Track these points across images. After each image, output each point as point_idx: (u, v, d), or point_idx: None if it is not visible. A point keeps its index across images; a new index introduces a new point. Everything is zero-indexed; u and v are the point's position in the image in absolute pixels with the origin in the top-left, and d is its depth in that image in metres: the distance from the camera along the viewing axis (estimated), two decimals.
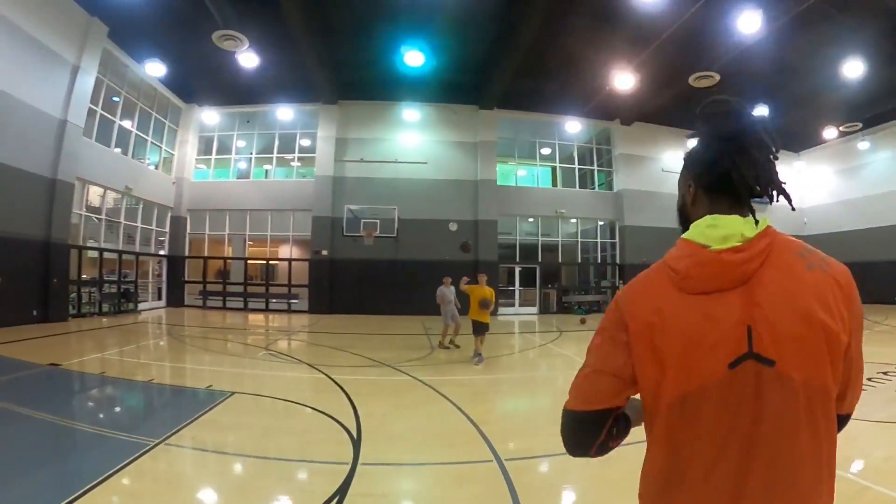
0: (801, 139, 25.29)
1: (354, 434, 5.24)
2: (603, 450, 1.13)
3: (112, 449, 4.63)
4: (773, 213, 9.13)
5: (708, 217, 1.11)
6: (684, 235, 1.14)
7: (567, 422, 1.14)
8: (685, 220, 1.22)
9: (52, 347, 10.59)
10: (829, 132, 23.48)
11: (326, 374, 8.46)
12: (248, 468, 4.46)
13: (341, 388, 7.41)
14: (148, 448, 4.55)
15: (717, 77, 16.63)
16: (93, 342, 12.11)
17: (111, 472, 3.96)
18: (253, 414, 6.39)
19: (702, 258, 1.04)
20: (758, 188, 1.12)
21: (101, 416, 6.34)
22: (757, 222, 1.07)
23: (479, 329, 9.63)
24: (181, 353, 11.11)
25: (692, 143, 1.28)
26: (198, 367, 9.81)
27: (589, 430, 1.11)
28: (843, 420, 1.08)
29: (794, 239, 1.11)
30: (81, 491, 3.53)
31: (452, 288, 11.25)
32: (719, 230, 1.05)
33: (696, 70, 16.58)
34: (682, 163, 1.29)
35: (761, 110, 19.68)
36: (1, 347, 9.32)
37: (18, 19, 12.61)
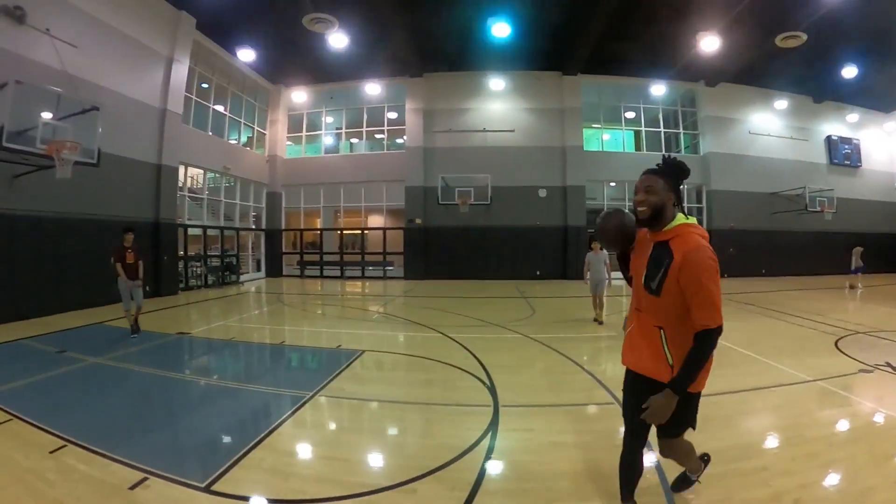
0: (892, 100, 27.07)
1: (488, 382, 6.44)
2: None
3: (275, 403, 5.86)
4: (863, 177, 14.64)
5: (687, 216, 2.78)
6: (690, 220, 2.74)
7: (718, 334, 2.56)
8: (659, 213, 2.73)
9: (174, 318, 12.46)
10: None
11: (443, 333, 10.02)
12: (404, 412, 5.53)
13: (461, 344, 8.86)
14: (306, 400, 5.77)
15: (804, 37, 18.31)
16: (209, 312, 13.70)
17: (281, 420, 5.12)
18: (388, 368, 7.69)
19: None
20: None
21: (251, 375, 7.57)
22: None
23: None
24: (297, 318, 12.87)
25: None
26: (320, 329, 11.47)
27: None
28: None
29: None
30: (262, 435, 4.66)
31: (604, 253, 11.41)
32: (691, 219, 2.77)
33: (783, 30, 18.30)
34: (670, 175, 2.79)
35: (849, 70, 22.57)
36: (124, 320, 10.37)
37: (115, 21, 14.83)
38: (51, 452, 4.22)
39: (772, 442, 4.68)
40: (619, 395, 5.57)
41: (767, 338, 9.69)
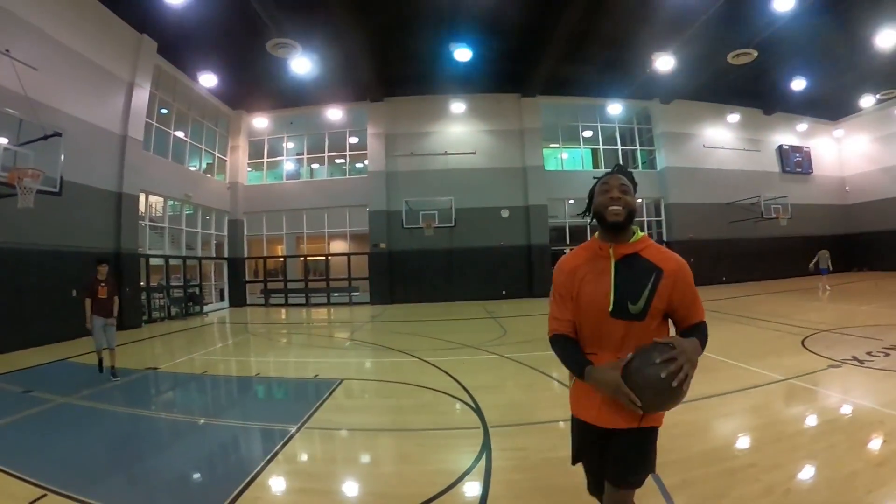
0: (839, 108, 28.45)
1: (472, 404, 6.43)
2: None
3: (261, 438, 5.68)
4: (815, 183, 15.35)
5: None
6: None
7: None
8: (632, 219, 2.33)
9: (141, 353, 11.92)
10: (867, 100, 26.46)
11: (418, 357, 9.94)
12: (395, 440, 5.47)
13: (439, 367, 8.81)
14: (293, 433, 5.58)
15: (755, 53, 19.39)
16: (176, 345, 13.44)
17: (272, 455, 4.90)
18: (371, 396, 7.63)
19: None
20: None
21: (232, 410, 7.28)
22: None
23: None
24: (268, 348, 12.73)
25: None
26: (293, 359, 11.26)
27: None
28: None
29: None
30: (253, 473, 4.43)
31: None
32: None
33: (735, 48, 19.32)
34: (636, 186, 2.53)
35: (798, 82, 23.64)
36: (90, 356, 9.58)
37: (76, 44, 14.55)
38: None
39: (756, 440, 4.85)
40: None
41: (737, 342, 10.00)
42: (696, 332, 2.26)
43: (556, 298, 2.44)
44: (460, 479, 4.27)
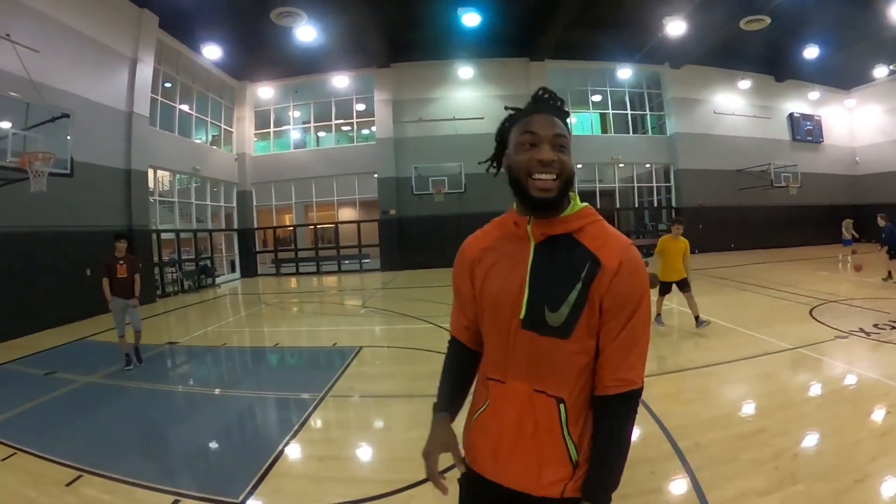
0: (851, 77, 28.10)
1: None
2: None
3: (289, 407, 5.85)
4: (825, 153, 15.33)
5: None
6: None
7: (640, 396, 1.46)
8: (569, 186, 1.45)
9: (159, 327, 12.00)
10: (880, 70, 26.08)
11: (434, 323, 10.14)
12: (419, 406, 5.35)
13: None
14: (318, 401, 5.76)
15: (768, 20, 19.42)
16: (192, 318, 13.63)
17: (301, 423, 5.11)
18: (391, 363, 7.78)
19: None
20: None
21: (255, 381, 7.25)
22: None
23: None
24: (282, 318, 12.93)
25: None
26: (309, 328, 11.40)
27: None
28: None
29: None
30: (286, 441, 4.66)
31: None
32: None
33: (748, 14, 19.28)
34: None
35: (811, 50, 23.44)
36: (109, 334, 9.88)
37: (76, 23, 14.32)
38: (67, 485, 4.00)
39: (765, 406, 5.10)
40: None
41: (746, 310, 10.25)
42: (614, 430, 1.44)
43: (454, 293, 1.76)
44: None
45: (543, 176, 1.41)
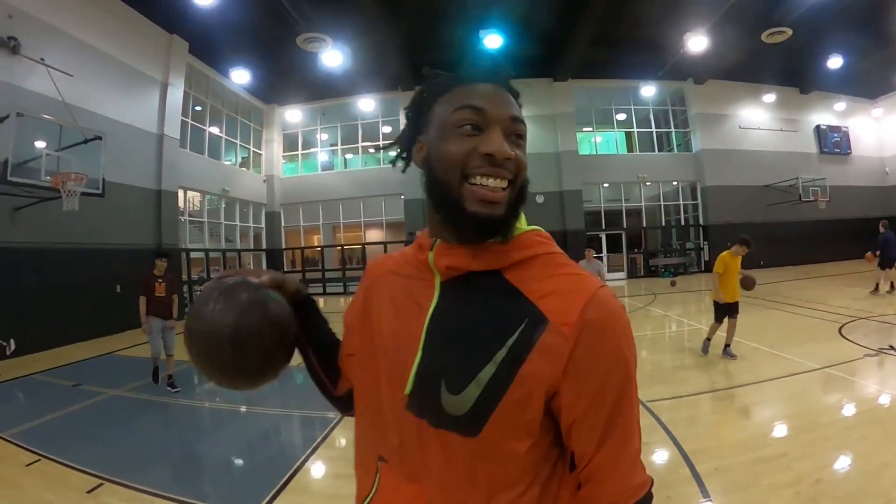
0: (877, 86, 27.53)
1: None
2: None
3: (312, 425, 5.91)
4: (854, 164, 15.00)
5: None
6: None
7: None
8: (523, 198, 0.98)
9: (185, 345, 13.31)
10: None
11: None
12: None
13: None
14: (340, 419, 5.77)
15: (790, 31, 19.28)
16: None
17: (320, 440, 5.21)
18: None
19: None
20: None
21: (282, 399, 7.12)
22: None
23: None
24: None
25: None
26: None
27: None
28: None
29: None
30: (302, 460, 4.68)
31: (598, 263, 10.43)
32: None
33: (769, 26, 19.17)
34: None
35: (835, 60, 23.12)
36: (137, 349, 10.62)
37: (108, 48, 14.96)
38: (88, 492, 4.12)
39: (789, 429, 5.00)
40: (639, 394, 5.92)
41: (773, 329, 10.04)
42: None
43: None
44: None
45: (490, 181, 0.89)
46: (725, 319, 8.06)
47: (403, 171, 1.15)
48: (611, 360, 0.87)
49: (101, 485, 4.25)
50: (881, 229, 13.57)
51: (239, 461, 5.06)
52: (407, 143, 1.09)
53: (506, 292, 0.92)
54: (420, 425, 0.91)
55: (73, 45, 13.92)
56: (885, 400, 5.61)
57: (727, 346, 7.95)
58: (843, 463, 4.18)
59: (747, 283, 8.25)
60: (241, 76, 22.10)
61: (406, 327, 0.98)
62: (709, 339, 8.33)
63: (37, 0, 12.75)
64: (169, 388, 7.57)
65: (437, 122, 0.96)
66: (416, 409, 0.92)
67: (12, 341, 10.94)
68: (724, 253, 8.37)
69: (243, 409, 6.86)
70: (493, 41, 19.98)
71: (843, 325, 9.76)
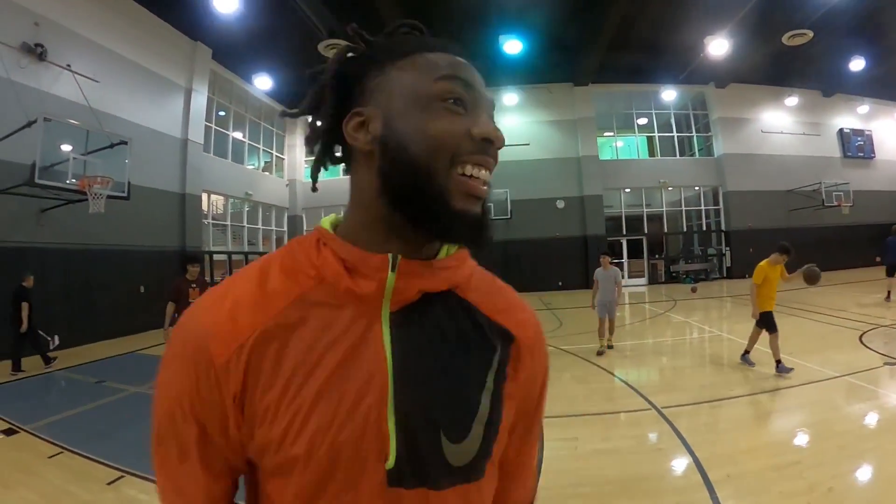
0: None
1: None
2: None
3: None
4: (878, 168, 14.72)
5: None
6: None
7: None
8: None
9: None
10: None
11: None
12: None
13: None
14: None
15: (811, 34, 19.05)
16: None
17: None
18: None
19: None
20: None
21: None
22: None
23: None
24: None
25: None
26: None
27: None
28: None
29: None
30: None
31: (615, 270, 9.55)
32: None
33: (790, 29, 18.95)
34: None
35: (857, 62, 22.74)
36: (159, 348, 10.64)
37: (133, 55, 15.31)
38: (108, 484, 4.25)
39: (803, 437, 5.01)
40: (654, 400, 5.98)
41: (793, 336, 9.89)
42: None
43: (162, 443, 0.78)
44: None
45: (482, 172, 0.75)
46: (754, 327, 7.73)
47: (323, 169, 0.96)
48: (544, 370, 0.90)
49: (121, 477, 4.37)
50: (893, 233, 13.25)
51: None
52: (331, 113, 0.80)
53: (466, 311, 0.80)
54: (419, 497, 0.71)
55: (99, 52, 14.27)
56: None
57: (778, 362, 7.20)
58: (856, 472, 4.19)
59: (811, 278, 7.65)
60: (263, 82, 22.44)
61: (352, 387, 0.70)
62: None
63: (62, 8, 13.11)
64: None
65: (400, 92, 0.74)
66: (410, 479, 0.70)
67: (56, 337, 11.26)
68: (763, 262, 7.75)
69: None
70: (512, 46, 20.04)
71: (863, 333, 9.66)
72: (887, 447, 4.57)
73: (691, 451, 4.62)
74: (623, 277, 11.14)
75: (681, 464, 4.45)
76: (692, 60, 22.05)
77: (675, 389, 6.77)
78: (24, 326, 9.43)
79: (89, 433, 5.67)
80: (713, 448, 4.71)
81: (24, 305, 9.43)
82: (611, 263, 9.64)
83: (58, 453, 4.96)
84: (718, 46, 19.66)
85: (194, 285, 7.45)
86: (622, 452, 4.86)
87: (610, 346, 9.53)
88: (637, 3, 17.88)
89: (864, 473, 4.16)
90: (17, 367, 9.35)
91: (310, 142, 0.88)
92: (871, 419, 5.41)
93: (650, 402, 6.17)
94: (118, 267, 14.02)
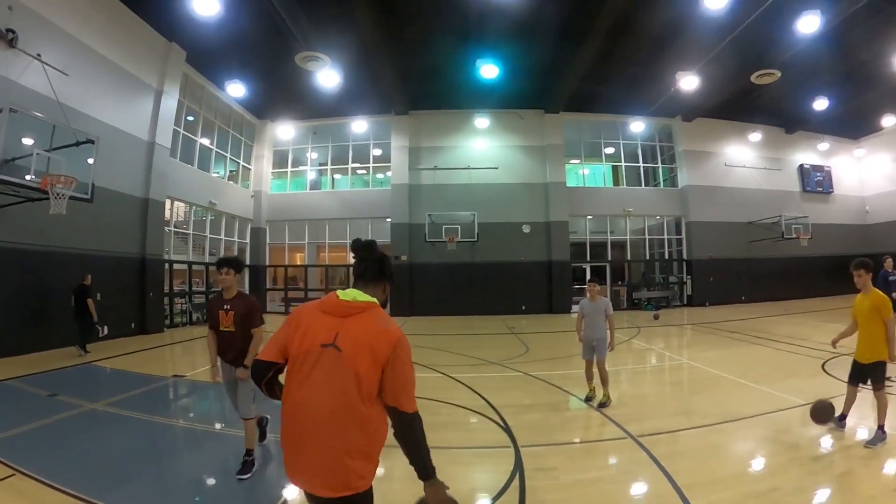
0: (860, 127, 28.38)
1: (502, 423, 6.47)
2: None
3: None
4: (836, 203, 15.02)
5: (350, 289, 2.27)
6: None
7: None
8: None
9: (163, 359, 12.30)
10: (888, 120, 26.29)
11: (443, 373, 9.90)
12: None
13: (465, 384, 8.84)
14: None
15: (778, 73, 19.67)
16: (199, 351, 13.35)
17: None
18: None
19: (332, 298, 2.24)
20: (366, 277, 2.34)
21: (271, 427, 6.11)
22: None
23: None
24: None
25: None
26: None
27: None
28: (392, 411, 2.19)
29: (384, 312, 2.31)
30: (283, 489, 4.63)
31: (604, 301, 7.61)
32: (346, 293, 2.24)
33: (758, 68, 19.58)
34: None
35: (820, 102, 23.67)
36: (115, 361, 10.63)
37: (106, 50, 14.79)
38: None
39: (778, 464, 5.00)
40: (629, 428, 5.91)
41: (757, 365, 10.08)
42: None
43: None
44: (497, 497, 4.42)
45: None
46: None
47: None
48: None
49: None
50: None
51: (215, 484, 4.84)
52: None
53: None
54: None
55: (71, 44, 13.72)
56: (865, 435, 5.62)
57: (880, 427, 5.44)
58: (833, 496, 4.23)
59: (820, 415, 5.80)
60: (236, 89, 22.03)
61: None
62: (843, 416, 5.97)
63: None
64: (240, 474, 4.78)
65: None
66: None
67: (105, 327, 12.47)
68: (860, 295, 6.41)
69: (218, 426, 6.72)
70: (488, 71, 20.14)
71: (826, 362, 9.82)
72: (858, 472, 4.64)
73: (671, 479, 4.55)
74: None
75: (661, 491, 4.38)
76: (662, 94, 22.62)
77: (649, 417, 6.71)
78: (95, 317, 12.04)
79: (44, 454, 5.31)
80: (692, 476, 4.63)
81: (89, 301, 11.97)
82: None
83: (10, 475, 4.62)
84: (689, 82, 20.19)
85: (228, 306, 4.93)
86: (604, 482, 4.80)
87: (602, 404, 7.26)
88: (613, 39, 18.25)
89: (839, 497, 4.20)
90: (84, 350, 11.96)
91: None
92: (840, 444, 5.49)
93: (626, 431, 6.09)
94: (75, 271, 12.99)
